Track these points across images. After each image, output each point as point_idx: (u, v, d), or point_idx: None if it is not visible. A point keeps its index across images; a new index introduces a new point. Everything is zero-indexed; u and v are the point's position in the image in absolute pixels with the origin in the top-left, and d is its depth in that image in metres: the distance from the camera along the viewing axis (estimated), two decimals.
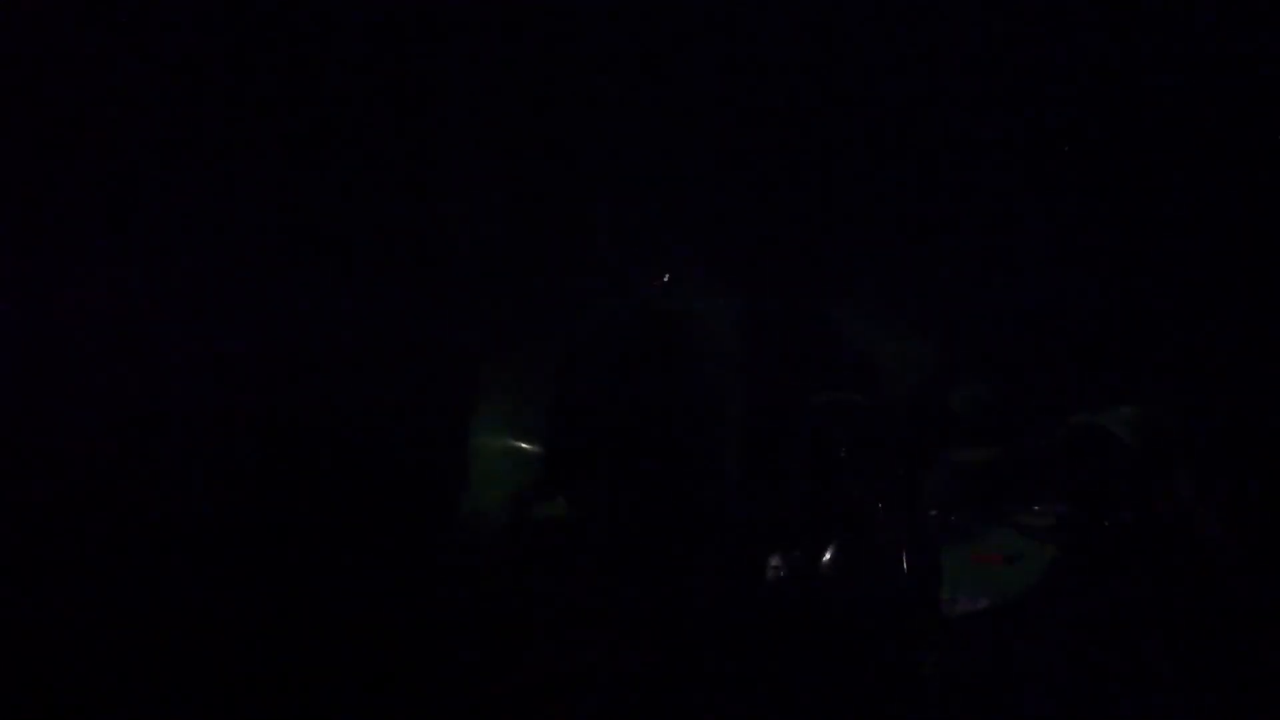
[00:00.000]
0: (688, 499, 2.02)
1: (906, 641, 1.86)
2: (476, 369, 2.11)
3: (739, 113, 2.31)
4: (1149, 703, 1.77)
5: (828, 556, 1.88)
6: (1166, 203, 2.22)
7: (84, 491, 1.91)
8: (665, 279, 2.20)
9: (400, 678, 1.85)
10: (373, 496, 1.99)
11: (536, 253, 2.21)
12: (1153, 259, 2.20)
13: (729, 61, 2.32)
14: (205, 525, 1.92)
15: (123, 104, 2.03)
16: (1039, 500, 1.97)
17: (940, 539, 1.94)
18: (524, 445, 2.06)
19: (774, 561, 1.87)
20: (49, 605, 1.85)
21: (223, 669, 1.85)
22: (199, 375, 1.99)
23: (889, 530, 1.92)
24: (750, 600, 1.88)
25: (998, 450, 2.04)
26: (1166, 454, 1.94)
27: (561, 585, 1.88)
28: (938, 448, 2.05)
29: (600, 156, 2.28)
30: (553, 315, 2.18)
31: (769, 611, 1.87)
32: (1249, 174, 2.18)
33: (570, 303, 2.18)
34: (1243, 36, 2.15)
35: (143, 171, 2.03)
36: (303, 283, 2.05)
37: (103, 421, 1.94)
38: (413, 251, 2.14)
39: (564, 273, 2.20)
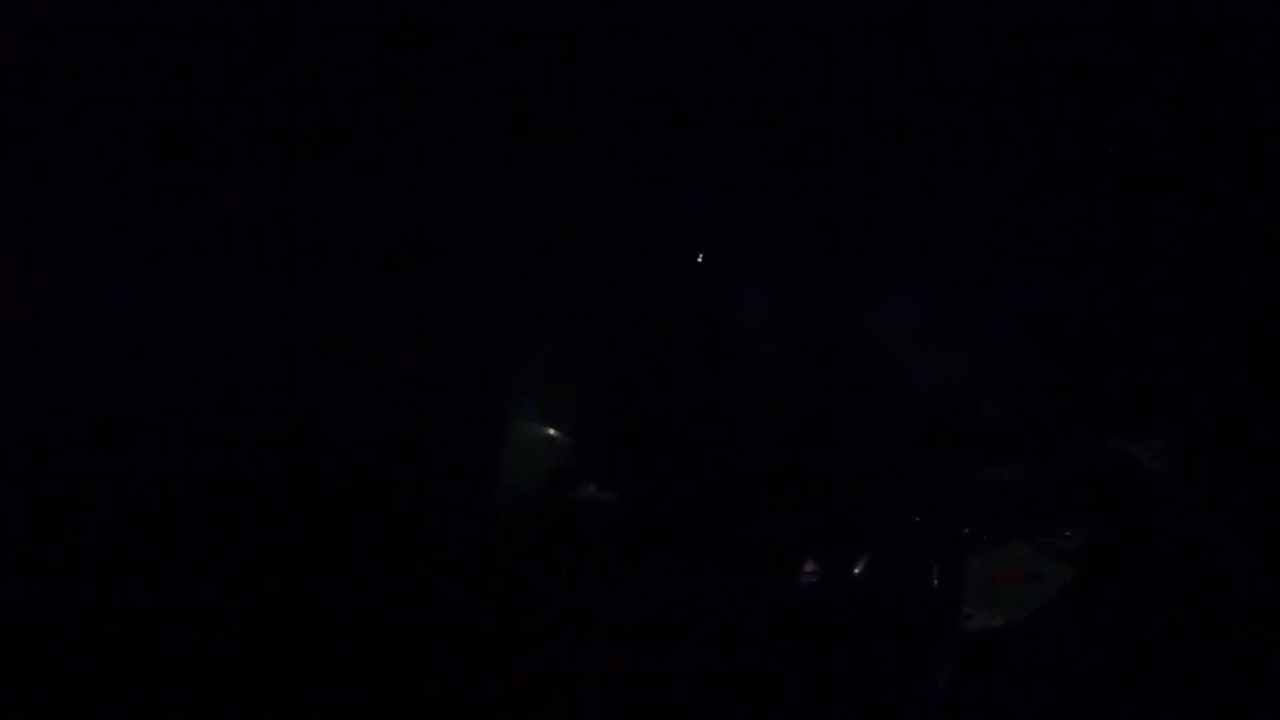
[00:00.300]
0: (719, 495, 2.02)
1: (926, 655, 1.89)
2: (508, 355, 2.11)
3: (781, 105, 2.24)
4: None
5: (860, 566, 1.90)
6: (1231, 226, 2.18)
7: (85, 490, 1.93)
8: (700, 259, 2.15)
9: (419, 669, 1.88)
10: (397, 488, 2.01)
11: (570, 240, 2.18)
12: (1209, 284, 2.17)
13: (774, 54, 2.24)
14: (215, 518, 1.94)
15: (122, 102, 2.02)
16: (1066, 523, 1.99)
17: (965, 554, 1.96)
18: (554, 431, 2.06)
19: (807, 566, 1.89)
20: (48, 605, 1.86)
21: (248, 659, 1.89)
22: (214, 368, 2.00)
23: (923, 542, 1.93)
24: (778, 602, 1.90)
25: (1029, 470, 2.05)
26: (1197, 488, 1.98)
27: (585, 575, 1.90)
28: (970, 463, 2.05)
29: (639, 146, 2.23)
30: (589, 303, 2.16)
31: (797, 614, 1.89)
32: None
33: (606, 291, 2.16)
34: None
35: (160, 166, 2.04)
36: (332, 271, 2.06)
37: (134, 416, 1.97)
38: (444, 237, 2.14)
39: (599, 261, 2.18)
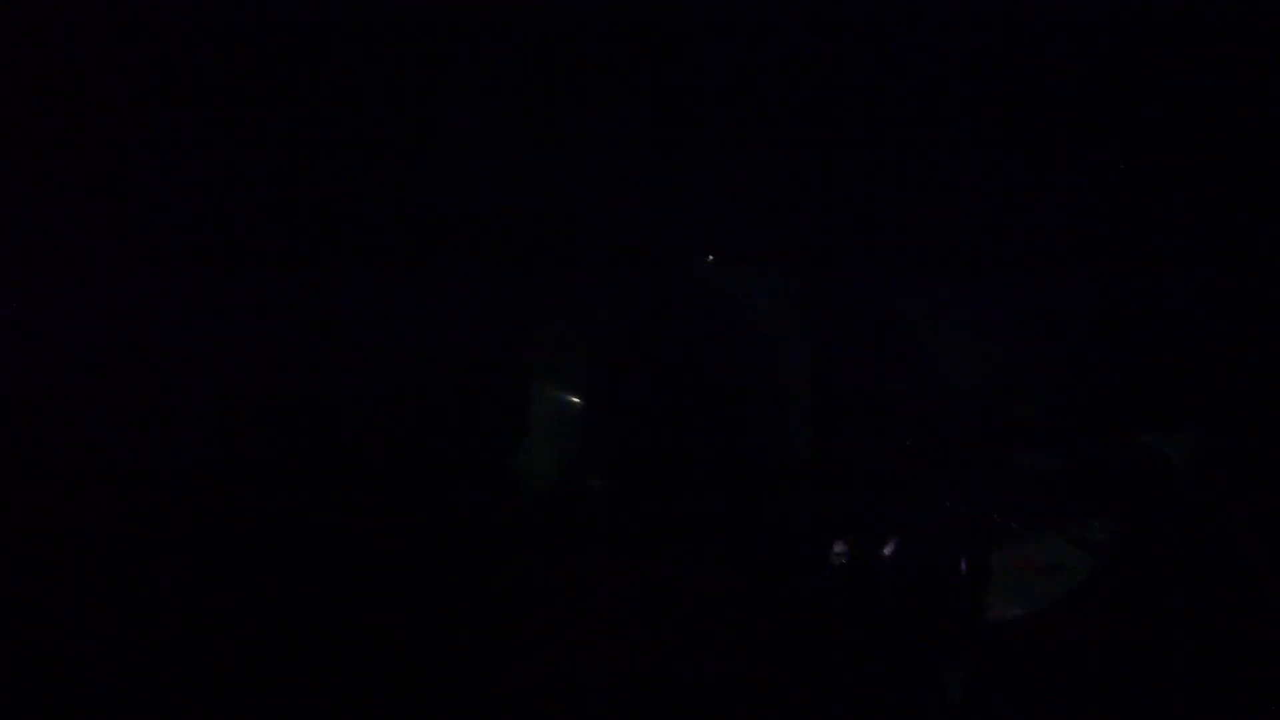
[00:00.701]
0: (741, 479, 2.00)
1: (950, 643, 1.87)
2: (520, 346, 2.09)
3: (815, 89, 2.19)
4: None
5: (888, 549, 1.87)
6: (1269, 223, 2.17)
7: (87, 490, 1.91)
8: (711, 258, 2.13)
9: (427, 668, 1.87)
10: (405, 483, 2.00)
11: (586, 227, 2.16)
12: (1245, 281, 2.15)
13: (808, 43, 2.19)
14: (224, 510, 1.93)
15: (121, 100, 2.00)
16: (1092, 515, 1.98)
17: (992, 543, 1.95)
18: (567, 419, 2.04)
19: (835, 548, 1.86)
20: (49, 604, 1.85)
21: (259, 652, 1.87)
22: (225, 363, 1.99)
23: (952, 529, 1.91)
24: (805, 587, 1.87)
25: (1060, 459, 2.03)
26: (1224, 487, 1.97)
27: (600, 569, 1.89)
28: (1001, 450, 2.03)
29: (654, 132, 2.19)
30: (606, 289, 2.13)
31: (823, 599, 1.86)
32: None
33: (625, 277, 2.14)
34: None
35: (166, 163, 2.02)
36: (339, 264, 2.05)
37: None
38: (451, 229, 2.12)
39: (618, 247, 2.15)
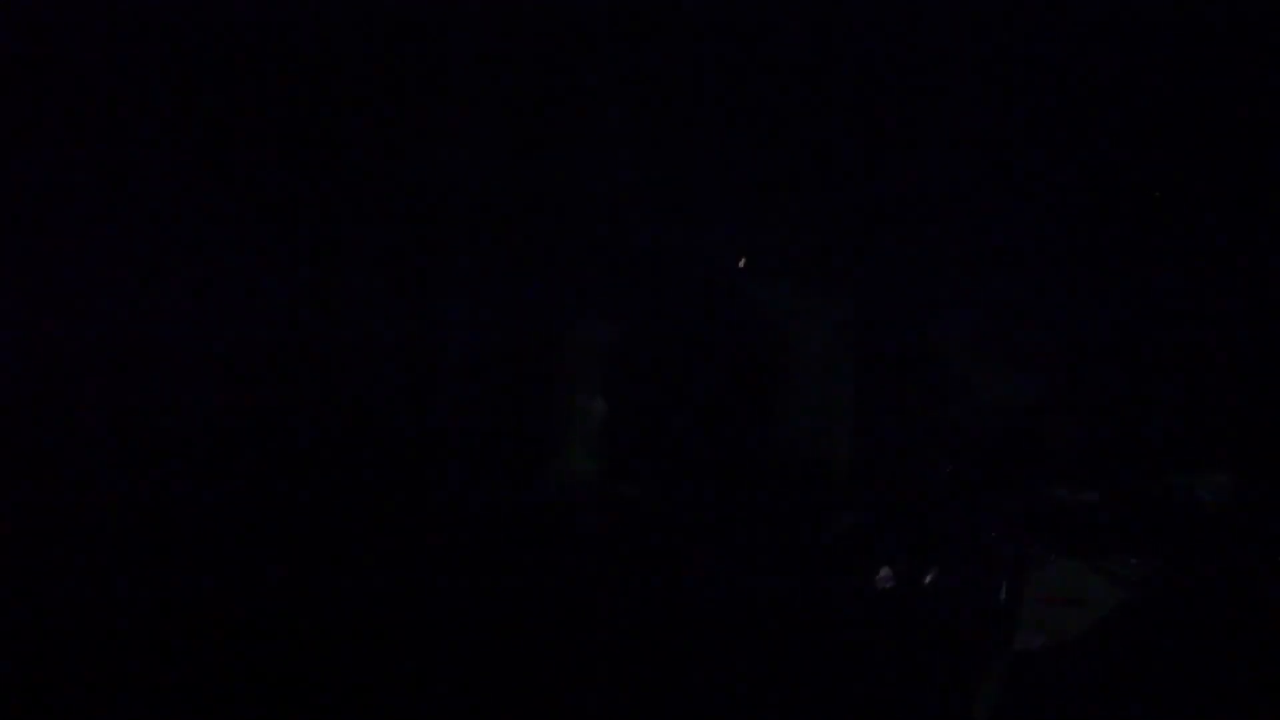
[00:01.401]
0: (783, 501, 2.00)
1: (983, 670, 1.87)
2: (545, 350, 2.07)
3: (842, 103, 2.17)
4: None
5: (929, 578, 1.85)
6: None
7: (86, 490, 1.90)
8: (742, 263, 2.09)
9: (434, 669, 1.88)
10: (414, 484, 1.99)
11: (609, 228, 2.13)
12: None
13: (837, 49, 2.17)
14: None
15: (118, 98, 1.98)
16: (1122, 550, 1.98)
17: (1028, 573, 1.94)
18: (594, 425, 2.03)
19: (881, 573, 1.84)
20: (49, 606, 1.85)
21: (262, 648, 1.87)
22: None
23: (993, 558, 1.90)
24: (843, 609, 1.85)
25: (1091, 493, 2.03)
26: (1256, 529, 1.99)
27: (616, 571, 1.90)
28: (1036, 482, 2.02)
29: (683, 138, 2.17)
30: (631, 292, 2.12)
31: (863, 623, 1.84)
32: None
33: (651, 279, 2.11)
34: None
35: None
36: (348, 265, 2.04)
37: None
38: (463, 231, 2.10)
39: (644, 248, 2.13)
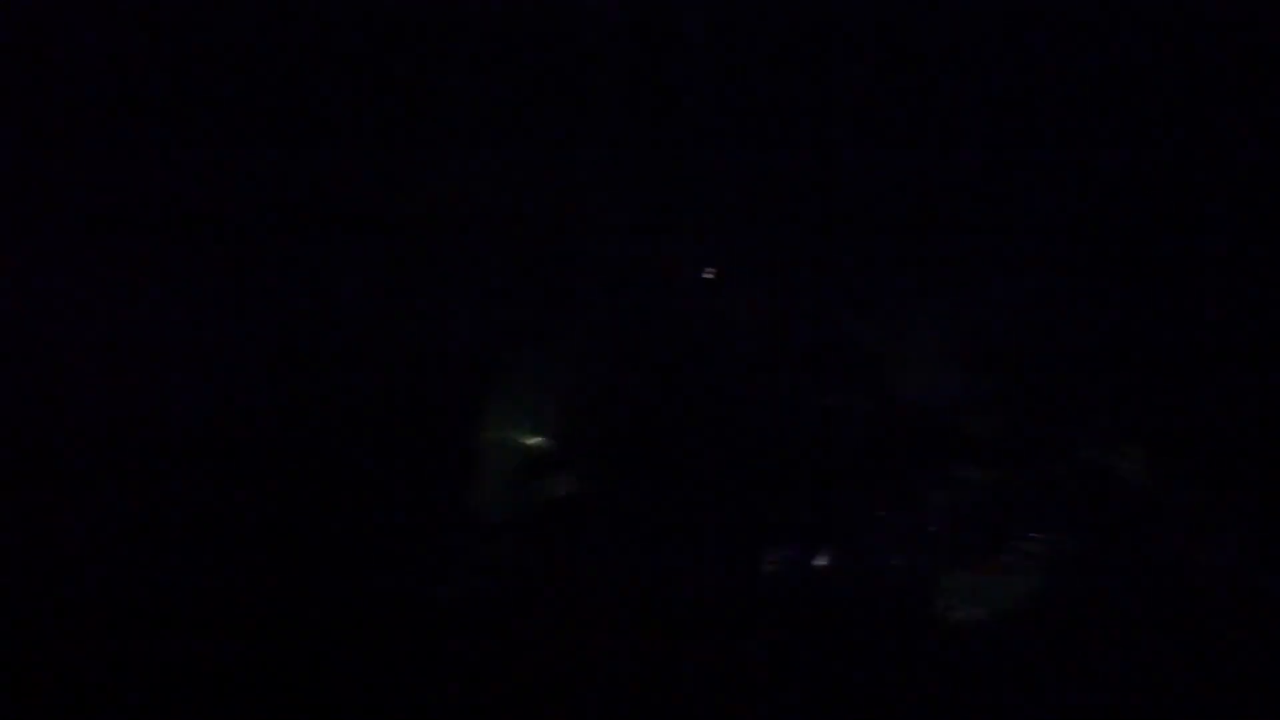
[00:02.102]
0: (691, 488, 2.07)
1: (901, 648, 1.98)
2: (489, 356, 2.12)
3: (765, 108, 2.25)
4: None
5: (822, 558, 1.98)
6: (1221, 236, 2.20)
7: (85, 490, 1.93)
8: (711, 273, 2.19)
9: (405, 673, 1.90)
10: (374, 487, 2.02)
11: (553, 244, 2.19)
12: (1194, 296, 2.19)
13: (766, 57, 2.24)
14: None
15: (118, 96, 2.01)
16: (1041, 528, 2.08)
17: (941, 553, 2.05)
18: (534, 428, 2.09)
19: (771, 557, 1.97)
20: (51, 605, 1.87)
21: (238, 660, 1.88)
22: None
23: (889, 538, 2.02)
24: (744, 595, 1.98)
25: (1005, 472, 2.12)
26: (1171, 500, 2.07)
27: (562, 570, 1.94)
28: (944, 462, 2.12)
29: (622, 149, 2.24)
30: (571, 305, 2.19)
31: (762, 608, 1.97)
32: None
33: (589, 294, 2.19)
34: None
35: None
36: (311, 272, 2.06)
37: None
38: (440, 233, 2.14)
39: (582, 263, 2.20)
